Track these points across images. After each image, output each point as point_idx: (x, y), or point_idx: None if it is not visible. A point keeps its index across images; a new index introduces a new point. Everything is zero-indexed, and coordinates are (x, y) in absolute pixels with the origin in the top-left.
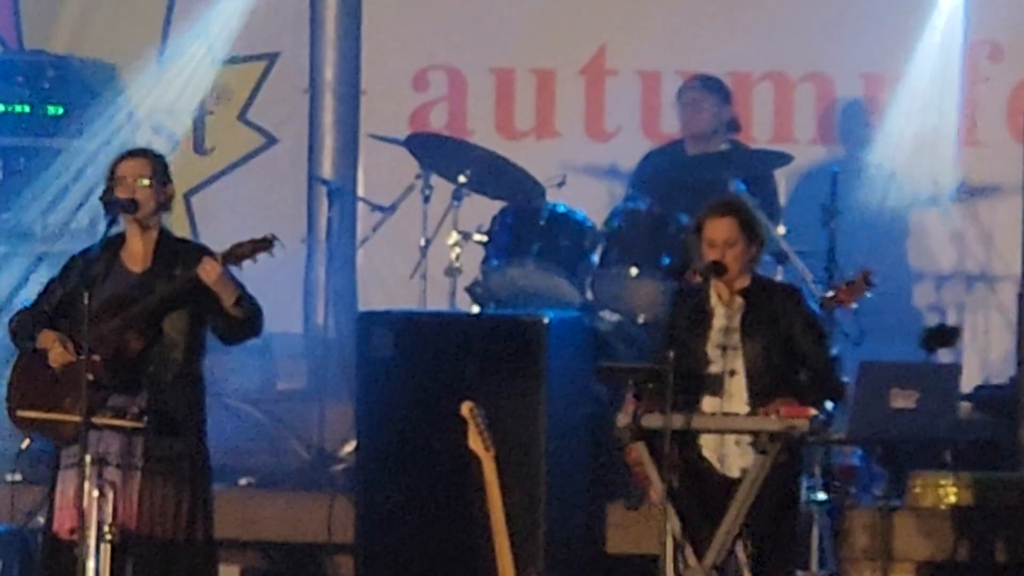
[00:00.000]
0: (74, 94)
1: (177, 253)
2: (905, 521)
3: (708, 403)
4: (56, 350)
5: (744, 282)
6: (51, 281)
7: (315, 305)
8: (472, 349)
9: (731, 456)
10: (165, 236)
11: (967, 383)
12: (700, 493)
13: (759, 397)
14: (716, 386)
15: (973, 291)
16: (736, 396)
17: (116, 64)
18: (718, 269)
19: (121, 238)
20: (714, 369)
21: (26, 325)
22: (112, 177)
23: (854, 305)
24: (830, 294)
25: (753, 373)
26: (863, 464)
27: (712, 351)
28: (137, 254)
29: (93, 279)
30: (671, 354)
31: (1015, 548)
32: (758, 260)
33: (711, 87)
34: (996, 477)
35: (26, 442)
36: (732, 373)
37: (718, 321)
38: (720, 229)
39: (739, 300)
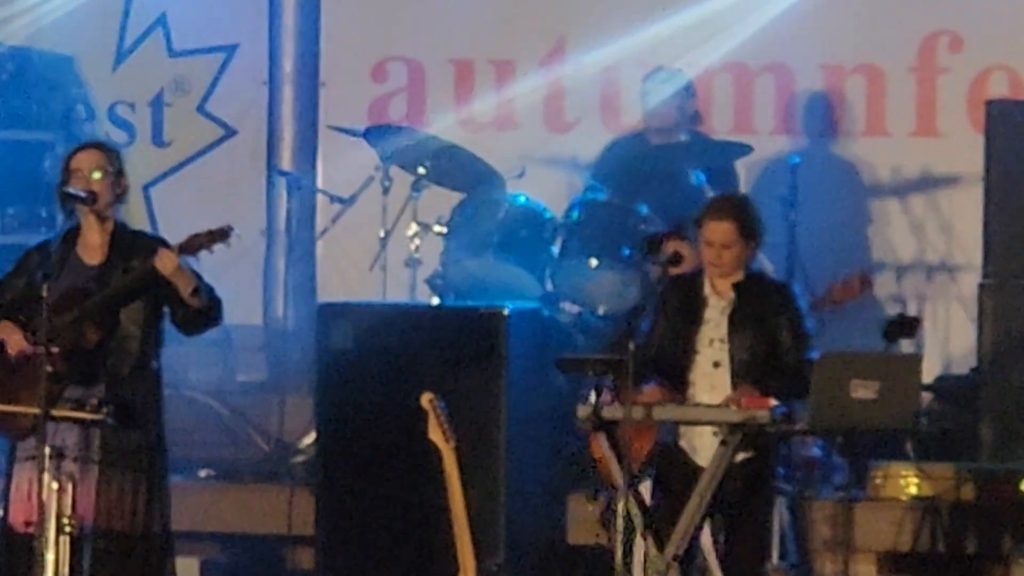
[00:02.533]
0: (32, 86)
1: (133, 245)
2: (866, 512)
3: (692, 394)
4: (14, 338)
5: (738, 276)
6: (6, 275)
7: (274, 297)
8: (432, 340)
9: (705, 446)
10: (121, 228)
11: (928, 374)
12: (672, 482)
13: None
14: (703, 377)
15: (934, 281)
16: (719, 388)
17: (74, 55)
18: (676, 260)
19: (76, 231)
20: (701, 360)
21: None
22: (67, 170)
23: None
24: (824, 293)
25: (737, 366)
26: (824, 455)
27: (701, 342)
28: (93, 246)
29: (50, 272)
30: (632, 345)
31: (976, 539)
32: (754, 255)
33: (674, 81)
34: (957, 468)
35: None
36: (716, 365)
37: (710, 312)
38: (718, 232)
39: (731, 293)
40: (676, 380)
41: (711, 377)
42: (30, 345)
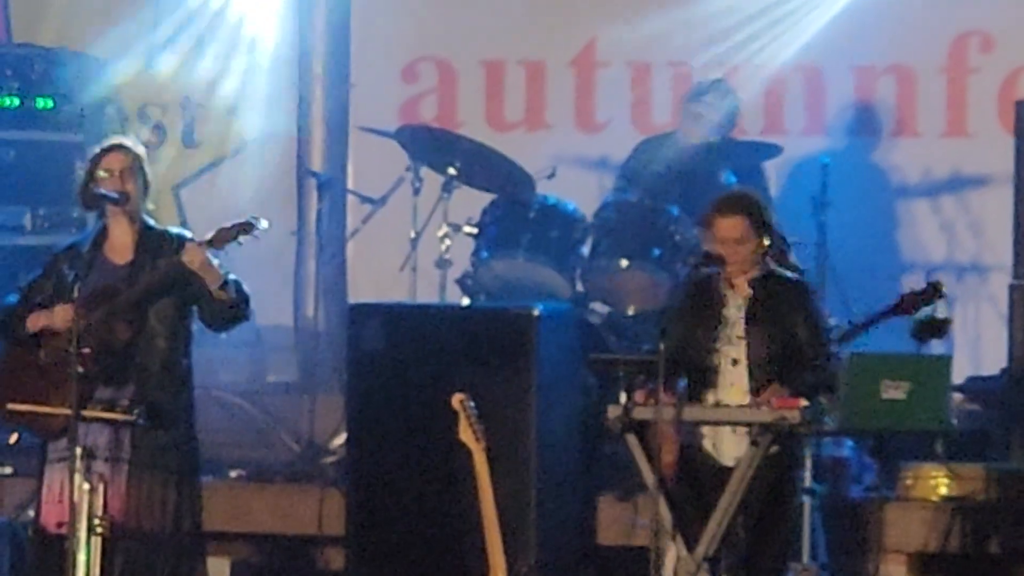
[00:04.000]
0: (63, 87)
1: (160, 243)
2: (896, 513)
3: (713, 392)
4: (58, 312)
5: (753, 273)
6: (35, 277)
7: (305, 298)
8: (462, 341)
9: (726, 444)
10: (147, 227)
11: (958, 374)
12: (694, 481)
13: (760, 388)
14: (722, 376)
15: (964, 282)
16: (737, 386)
17: (105, 57)
18: (710, 261)
19: (102, 233)
20: (719, 358)
21: (15, 320)
22: (95, 171)
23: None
24: (895, 303)
25: (755, 364)
26: (854, 456)
27: (720, 340)
28: (121, 246)
29: (80, 274)
30: (662, 346)
31: (1006, 539)
32: (769, 251)
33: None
34: (987, 468)
35: (14, 437)
36: (735, 362)
37: (728, 310)
38: (730, 228)
39: (747, 290)
40: (696, 378)
41: (730, 375)
42: (72, 311)
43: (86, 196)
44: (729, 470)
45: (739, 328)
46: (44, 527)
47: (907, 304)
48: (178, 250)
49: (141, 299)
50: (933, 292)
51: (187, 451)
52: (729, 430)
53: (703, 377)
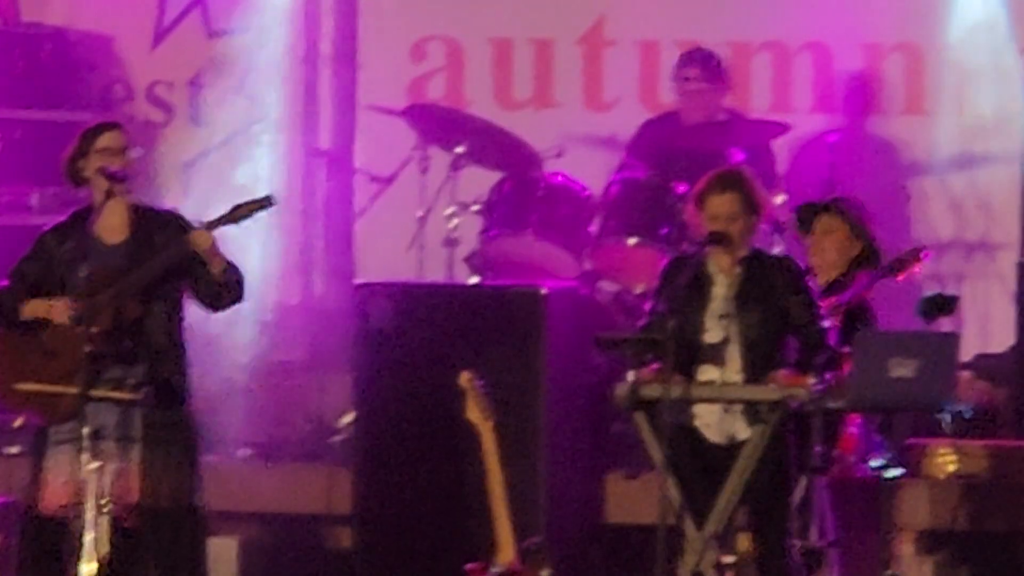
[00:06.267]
0: (70, 66)
1: (153, 221)
2: (905, 490)
3: (704, 371)
4: (57, 306)
5: (743, 252)
6: (22, 260)
7: (313, 276)
8: (470, 320)
9: (717, 423)
10: (137, 205)
11: (966, 352)
12: (687, 462)
13: (754, 366)
14: (712, 354)
15: (972, 260)
16: (731, 364)
17: (113, 36)
18: (717, 239)
19: (86, 212)
20: (711, 338)
21: (7, 302)
22: (89, 150)
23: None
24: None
25: (748, 342)
26: (863, 433)
27: (710, 319)
28: (113, 226)
29: (74, 255)
30: (671, 323)
31: (1015, 517)
32: (756, 230)
33: (709, 75)
34: (995, 446)
35: (19, 421)
36: (727, 341)
37: (718, 290)
38: (722, 204)
39: (737, 270)
40: (688, 357)
41: (722, 353)
42: (72, 310)
43: (77, 172)
44: (720, 447)
45: (729, 307)
46: (41, 512)
47: (893, 267)
48: (177, 230)
49: (148, 278)
50: (912, 256)
51: (190, 427)
52: (722, 409)
53: (695, 356)
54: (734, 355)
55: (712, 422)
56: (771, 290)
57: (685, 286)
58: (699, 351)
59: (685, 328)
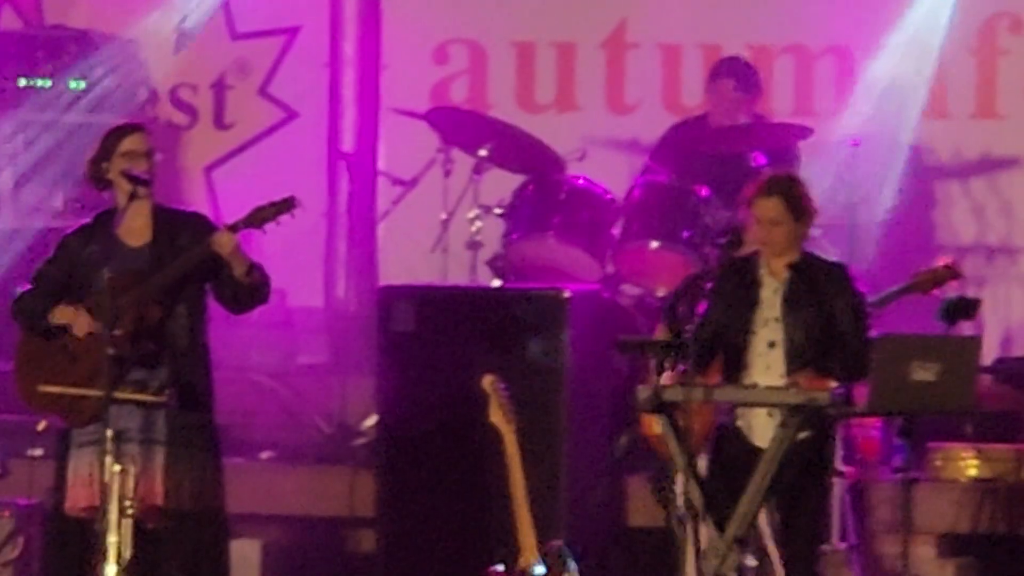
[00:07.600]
0: (95, 69)
1: (176, 223)
2: (926, 494)
3: (749, 374)
4: (80, 320)
5: (793, 256)
6: (44, 263)
7: (336, 279)
8: (493, 323)
9: (759, 426)
10: (160, 208)
11: (987, 355)
12: (726, 461)
13: (796, 371)
14: (756, 357)
15: (994, 263)
16: (774, 368)
17: (136, 38)
18: (738, 243)
19: (109, 214)
20: (756, 340)
21: (33, 306)
22: (113, 152)
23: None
24: (908, 282)
25: (792, 346)
26: (884, 437)
27: (757, 322)
28: (135, 228)
29: (97, 258)
30: (689, 328)
31: None
32: (807, 235)
33: (744, 85)
34: (1016, 449)
35: (43, 424)
36: (772, 345)
37: (766, 293)
38: (766, 208)
39: (786, 273)
40: (732, 361)
41: (766, 357)
42: (94, 325)
43: (101, 174)
44: (760, 451)
45: (776, 311)
46: (66, 512)
47: (921, 283)
48: (202, 232)
49: (174, 282)
50: (947, 273)
51: (213, 430)
52: (765, 413)
53: (739, 359)
54: (778, 359)
55: (756, 425)
56: (819, 295)
57: (734, 288)
58: (744, 354)
59: (731, 331)
